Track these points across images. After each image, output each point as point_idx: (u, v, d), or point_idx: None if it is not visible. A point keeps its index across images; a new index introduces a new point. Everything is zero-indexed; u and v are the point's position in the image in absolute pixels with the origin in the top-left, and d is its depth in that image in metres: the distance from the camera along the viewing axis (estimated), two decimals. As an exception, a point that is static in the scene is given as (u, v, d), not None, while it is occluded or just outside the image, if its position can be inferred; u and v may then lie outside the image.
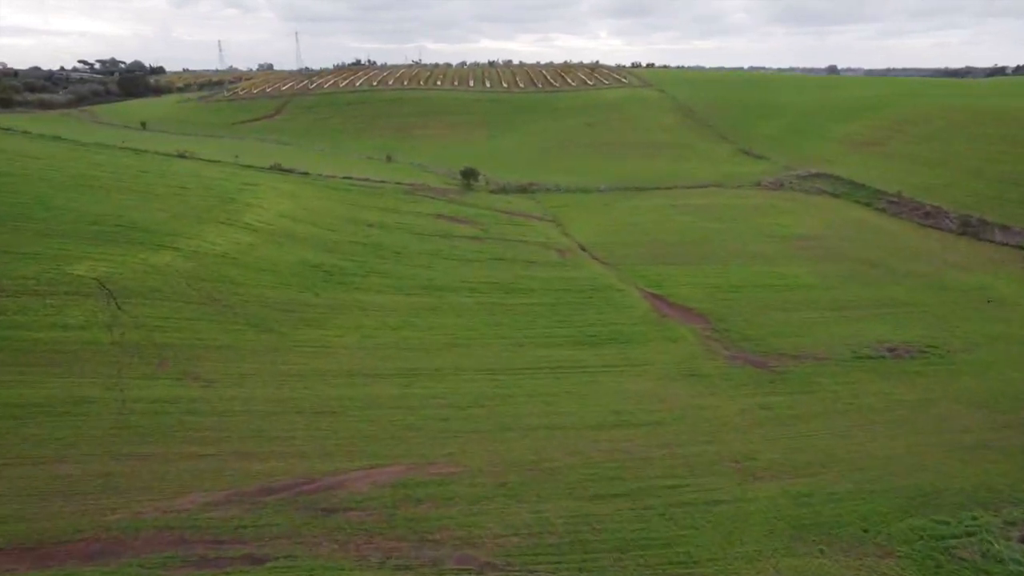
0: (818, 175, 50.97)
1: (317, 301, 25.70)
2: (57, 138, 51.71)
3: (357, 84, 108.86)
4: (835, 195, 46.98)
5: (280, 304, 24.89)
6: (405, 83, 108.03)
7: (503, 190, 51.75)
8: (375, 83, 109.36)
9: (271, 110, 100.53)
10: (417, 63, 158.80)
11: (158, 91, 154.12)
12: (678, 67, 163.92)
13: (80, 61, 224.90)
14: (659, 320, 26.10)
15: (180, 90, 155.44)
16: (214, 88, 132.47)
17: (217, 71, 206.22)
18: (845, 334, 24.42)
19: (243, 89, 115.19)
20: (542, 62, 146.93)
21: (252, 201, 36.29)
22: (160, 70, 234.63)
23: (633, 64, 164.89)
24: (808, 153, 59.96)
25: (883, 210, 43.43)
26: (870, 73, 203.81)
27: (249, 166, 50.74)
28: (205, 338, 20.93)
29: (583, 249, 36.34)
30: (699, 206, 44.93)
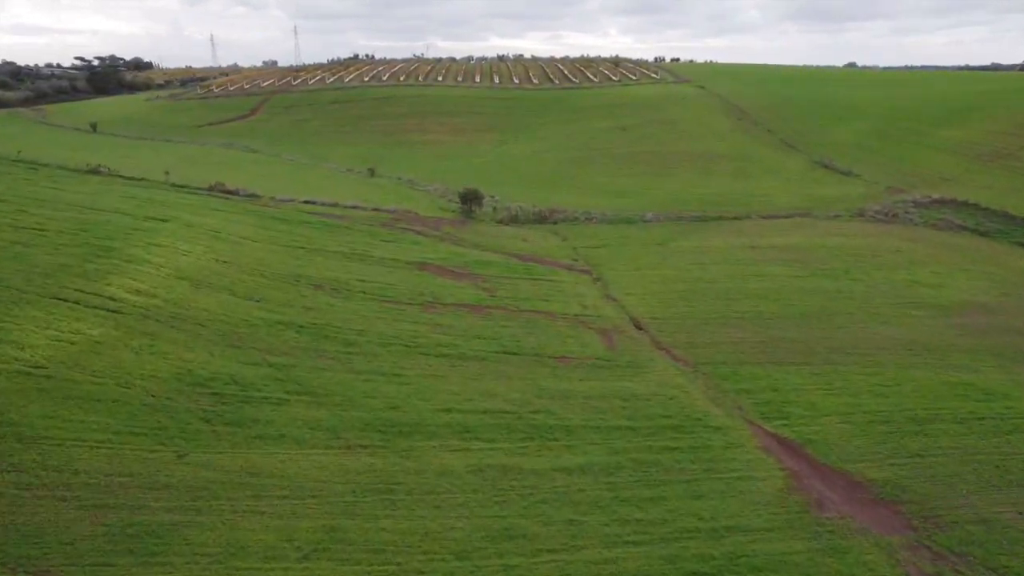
0: (942, 201, 38.94)
1: (172, 478, 14.18)
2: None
3: (347, 80, 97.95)
4: (979, 232, 34.95)
5: (97, 483, 13.46)
6: (402, 79, 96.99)
7: (515, 219, 40.22)
8: (367, 79, 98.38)
9: (245, 110, 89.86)
10: (419, 57, 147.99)
11: (134, 88, 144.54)
12: (705, 61, 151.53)
13: (77, 58, 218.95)
14: (815, 520, 14.33)
15: (160, 87, 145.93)
16: (194, 84, 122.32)
17: (211, 67, 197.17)
18: None
19: (218, 86, 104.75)
20: (557, 56, 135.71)
21: (141, 251, 24.93)
22: (148, 65, 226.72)
23: (656, 59, 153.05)
24: (911, 168, 47.93)
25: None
26: (887, 71, 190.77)
27: (181, 186, 39.57)
28: None
29: (638, 327, 24.66)
30: (791, 249, 33.07)
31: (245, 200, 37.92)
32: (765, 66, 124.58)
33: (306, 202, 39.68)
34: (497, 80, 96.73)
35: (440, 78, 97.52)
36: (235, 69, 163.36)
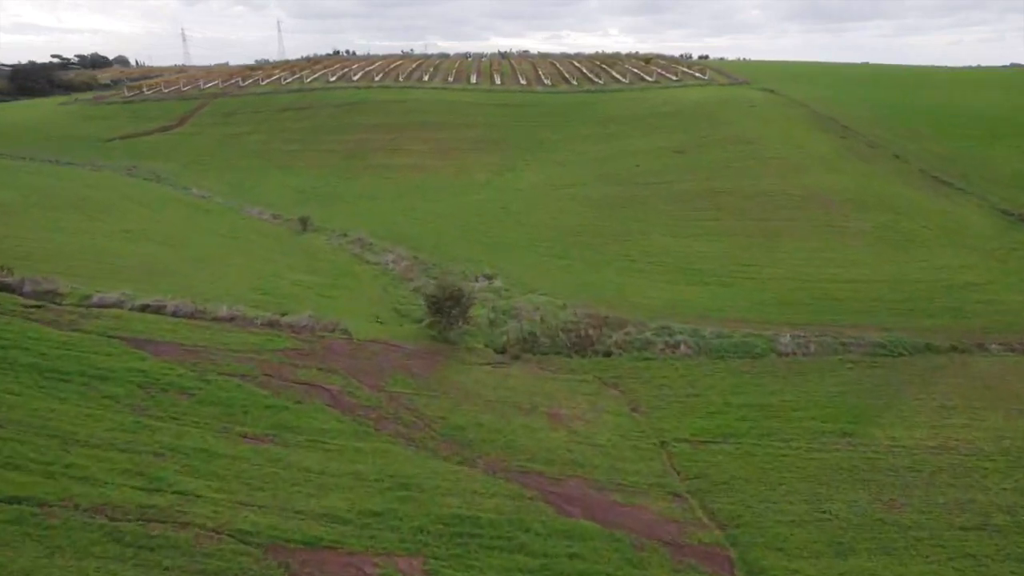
0: None
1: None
2: None
3: (308, 80, 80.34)
4: None
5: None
6: (377, 78, 79.34)
7: (531, 345, 22.22)
8: (334, 78, 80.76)
9: (174, 118, 72.30)
10: (407, 53, 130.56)
11: (71, 88, 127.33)
12: (737, 59, 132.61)
13: (53, 56, 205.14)
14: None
15: (105, 87, 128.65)
16: (122, 85, 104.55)
17: (184, 66, 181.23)
18: None
19: (151, 87, 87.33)
20: (569, 53, 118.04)
21: None
22: (105, 62, 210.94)
23: (682, 55, 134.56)
24: None
25: None
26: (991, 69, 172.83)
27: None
28: None
29: None
30: None
31: (28, 306, 20.00)
32: (821, 64, 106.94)
33: (145, 308, 21.76)
34: (498, 80, 79.13)
35: (426, 78, 79.82)
36: (180, 69, 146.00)
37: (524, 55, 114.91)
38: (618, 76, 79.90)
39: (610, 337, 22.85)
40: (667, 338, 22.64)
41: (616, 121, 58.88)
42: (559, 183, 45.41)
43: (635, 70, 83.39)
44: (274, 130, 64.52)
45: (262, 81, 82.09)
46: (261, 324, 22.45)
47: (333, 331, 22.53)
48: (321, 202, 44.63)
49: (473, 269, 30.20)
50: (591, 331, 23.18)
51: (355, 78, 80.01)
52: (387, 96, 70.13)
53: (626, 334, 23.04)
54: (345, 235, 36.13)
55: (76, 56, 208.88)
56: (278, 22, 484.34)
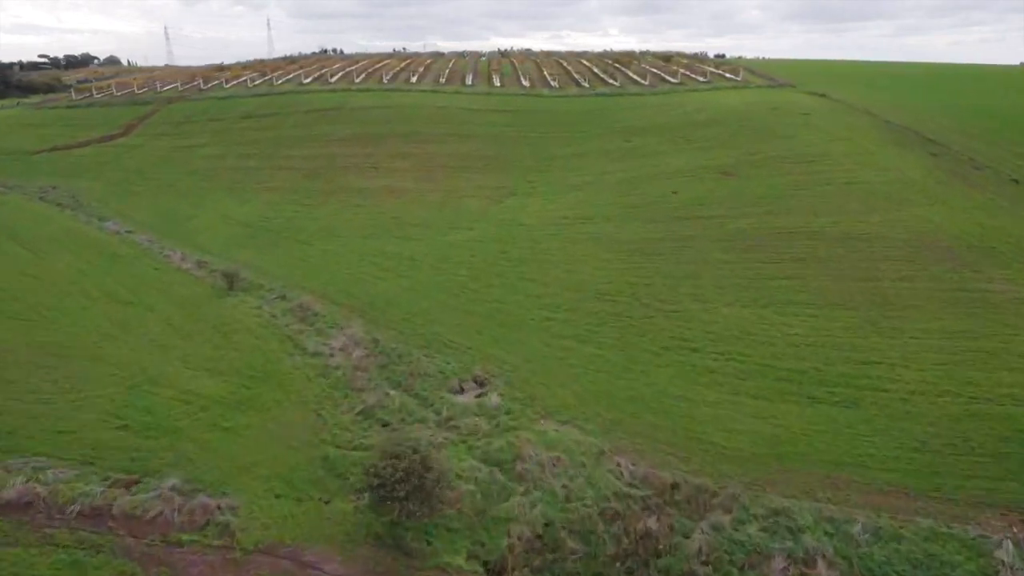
0: None
1: None
2: None
3: (278, 83, 70.94)
4: None
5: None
6: (357, 80, 69.90)
7: (538, 551, 12.75)
8: (307, 80, 71.37)
9: (118, 126, 63.00)
10: (400, 52, 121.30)
11: (29, 89, 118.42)
12: (763, 58, 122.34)
13: (40, 55, 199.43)
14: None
15: (67, 88, 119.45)
16: (95, 84, 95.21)
17: (167, 66, 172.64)
18: None
19: (100, 89, 78.06)
20: (576, 51, 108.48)
21: None
22: (80, 62, 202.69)
23: (697, 55, 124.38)
24: None
25: None
26: None
27: None
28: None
29: None
30: None
31: None
32: (867, 63, 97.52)
33: None
34: (498, 82, 69.72)
35: (414, 79, 70.34)
36: (142, 68, 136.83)
37: (527, 53, 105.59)
38: (636, 77, 70.45)
39: (687, 537, 13.32)
40: (789, 542, 13.11)
41: (641, 132, 49.40)
42: (574, 215, 35.88)
43: (654, 70, 73.93)
44: (230, 141, 55.09)
45: (226, 83, 72.74)
46: (76, 516, 13.08)
47: (205, 526, 13.11)
48: (268, 241, 35.17)
49: (457, 367, 20.69)
50: (652, 521, 13.65)
51: (332, 80, 70.63)
52: (367, 101, 60.72)
53: (715, 528, 13.51)
54: (284, 298, 26.62)
55: (66, 56, 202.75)
56: (268, 20, 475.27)
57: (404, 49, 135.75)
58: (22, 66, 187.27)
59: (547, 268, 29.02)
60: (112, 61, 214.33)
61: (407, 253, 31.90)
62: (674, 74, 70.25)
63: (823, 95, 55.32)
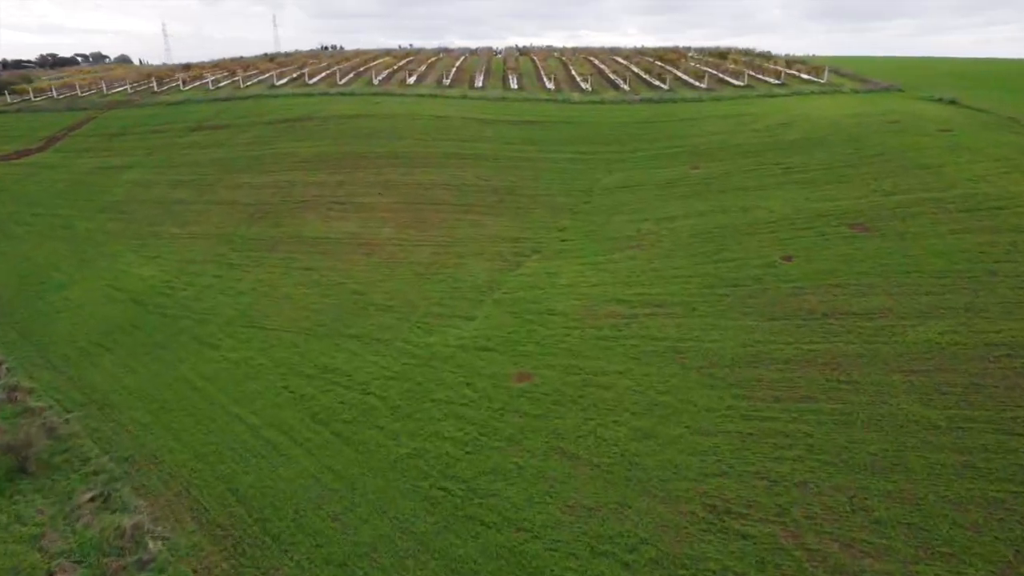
0: None
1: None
2: None
3: (245, 85, 59.27)
4: None
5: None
6: (341, 82, 57.94)
7: None
8: (281, 81, 59.59)
9: (38, 138, 51.68)
10: (402, 48, 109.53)
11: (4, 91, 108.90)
12: (808, 54, 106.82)
13: (48, 54, 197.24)
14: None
15: (8, 91, 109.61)
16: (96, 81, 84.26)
17: (120, 64, 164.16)
18: None
19: (40, 90, 67.13)
20: (606, 47, 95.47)
21: None
22: (73, 61, 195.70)
23: (748, 50, 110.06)
24: None
25: None
26: None
27: None
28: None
29: None
30: None
31: None
32: (947, 59, 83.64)
33: None
34: (514, 84, 57.40)
35: (411, 79, 58.23)
36: (107, 67, 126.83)
37: (549, 50, 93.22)
38: (688, 78, 57.73)
39: None
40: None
41: (711, 154, 36.69)
42: (635, 297, 23.23)
43: (709, 69, 61.16)
44: (166, 163, 43.30)
45: (184, 85, 61.23)
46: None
47: None
48: (152, 338, 23.01)
49: None
50: None
51: (311, 81, 58.75)
52: (347, 108, 48.67)
53: None
54: (105, 501, 14.28)
55: (91, 55, 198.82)
56: (273, 17, 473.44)
57: (411, 45, 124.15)
58: (5, 65, 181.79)
59: (608, 430, 16.40)
60: (122, 60, 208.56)
61: (358, 378, 19.46)
62: (738, 75, 57.40)
63: (952, 101, 42.25)
